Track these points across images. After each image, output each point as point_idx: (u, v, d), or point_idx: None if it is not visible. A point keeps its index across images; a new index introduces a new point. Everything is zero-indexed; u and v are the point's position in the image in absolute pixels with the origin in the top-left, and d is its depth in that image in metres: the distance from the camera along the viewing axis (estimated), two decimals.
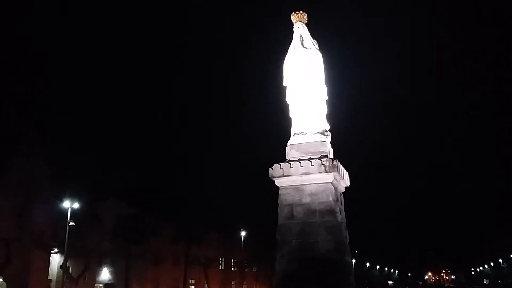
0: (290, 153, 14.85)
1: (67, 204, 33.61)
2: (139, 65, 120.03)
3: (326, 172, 13.79)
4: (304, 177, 14.03)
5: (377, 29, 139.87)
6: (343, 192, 15.40)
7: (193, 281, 59.34)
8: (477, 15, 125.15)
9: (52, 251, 41.08)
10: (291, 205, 14.16)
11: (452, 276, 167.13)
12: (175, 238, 51.84)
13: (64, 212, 33.89)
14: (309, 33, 16.22)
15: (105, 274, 49.25)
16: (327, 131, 15.20)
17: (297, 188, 14.22)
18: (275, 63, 16.86)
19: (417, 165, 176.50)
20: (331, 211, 13.65)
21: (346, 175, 15.08)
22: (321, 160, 13.90)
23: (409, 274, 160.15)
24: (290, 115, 15.57)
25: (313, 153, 14.43)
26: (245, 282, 68.20)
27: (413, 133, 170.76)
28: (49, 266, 42.09)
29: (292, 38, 16.29)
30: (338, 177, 14.24)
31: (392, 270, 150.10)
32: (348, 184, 15.52)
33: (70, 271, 39.95)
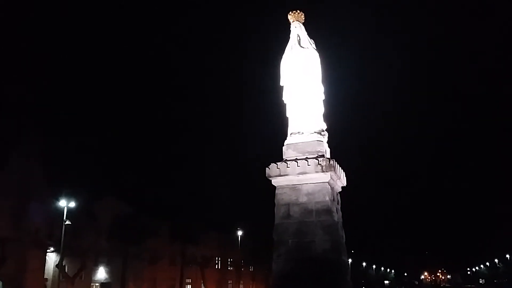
0: (287, 152, 14.86)
1: (63, 203, 33.53)
2: (138, 65, 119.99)
3: (323, 171, 13.80)
4: (300, 176, 14.05)
5: (375, 28, 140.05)
6: (339, 192, 15.42)
7: (190, 281, 59.37)
8: (477, 15, 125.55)
9: (48, 250, 40.99)
10: (287, 205, 14.16)
11: (448, 276, 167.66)
12: (171, 238, 51.87)
13: (60, 211, 33.80)
14: (306, 33, 16.23)
15: (101, 274, 49.17)
16: (324, 131, 15.22)
17: (294, 188, 14.23)
18: (272, 62, 16.87)
19: (414, 165, 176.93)
20: (327, 211, 13.67)
21: (342, 174, 15.10)
22: (318, 160, 13.92)
23: (405, 274, 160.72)
24: (287, 115, 15.57)
25: (310, 152, 14.45)
26: (241, 282, 68.30)
27: (410, 133, 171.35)
28: (45, 265, 41.98)
29: (289, 37, 16.30)
30: (334, 177, 14.26)
31: (388, 270, 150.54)
32: (345, 184, 15.54)
33: (66, 270, 39.88)
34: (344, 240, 14.42)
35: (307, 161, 14.01)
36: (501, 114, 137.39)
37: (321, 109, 15.57)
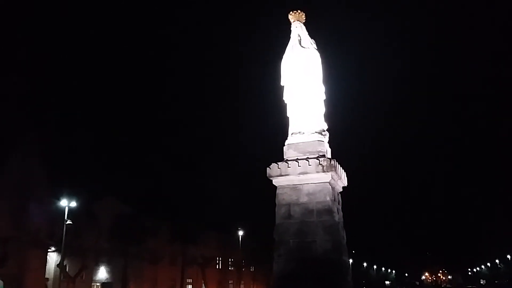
0: (288, 152, 14.85)
1: (64, 203, 33.59)
2: (138, 65, 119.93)
3: (324, 171, 13.79)
4: (301, 176, 14.03)
5: (376, 28, 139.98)
6: (340, 192, 15.41)
7: (191, 281, 59.41)
8: (477, 14, 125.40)
9: (49, 250, 41.07)
10: (288, 205, 14.15)
11: (449, 277, 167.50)
12: (172, 238, 51.86)
13: (61, 211, 33.86)
14: (307, 33, 16.21)
15: (102, 273, 49.24)
16: (324, 131, 15.21)
17: (295, 188, 14.22)
18: (273, 62, 16.86)
19: (415, 166, 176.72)
20: (328, 211, 13.66)
21: (343, 174, 15.09)
22: (319, 160, 13.90)
23: (406, 274, 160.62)
24: (288, 115, 15.56)
25: (310, 152, 14.44)
26: (242, 282, 68.28)
27: (411, 133, 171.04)
28: (46, 265, 42.06)
29: (289, 37, 16.29)
30: (335, 177, 14.25)
31: (389, 270, 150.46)
32: (346, 184, 15.52)
33: (67, 270, 39.96)
34: (345, 241, 14.40)
35: (308, 161, 14.00)
36: (501, 114, 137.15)
37: (322, 109, 15.56)
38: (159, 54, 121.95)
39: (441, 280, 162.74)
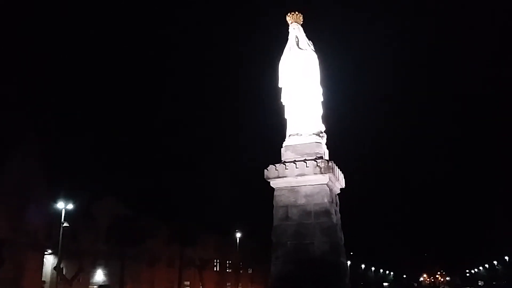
0: (285, 154, 14.82)
1: (61, 205, 33.45)
2: (138, 65, 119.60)
3: (321, 173, 13.77)
4: (299, 178, 14.01)
5: (376, 28, 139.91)
6: (338, 194, 15.38)
7: (188, 283, 59.23)
8: (477, 14, 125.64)
9: (46, 252, 40.88)
10: (286, 207, 14.13)
11: (447, 278, 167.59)
12: (170, 239, 51.77)
13: (58, 213, 33.73)
14: (304, 34, 16.22)
15: (99, 276, 49.01)
16: (322, 133, 15.19)
17: (292, 190, 14.20)
18: (271, 64, 16.85)
19: (413, 167, 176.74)
20: (326, 213, 13.64)
21: (341, 176, 15.07)
22: (316, 162, 13.89)
23: (404, 276, 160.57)
24: (286, 116, 15.55)
25: (308, 154, 14.42)
26: (240, 284, 68.14)
27: (411, 133, 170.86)
28: (42, 268, 41.83)
29: (287, 39, 16.29)
30: (333, 179, 14.23)
31: (387, 272, 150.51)
32: (344, 186, 15.51)
33: (64, 273, 39.77)
34: (343, 242, 14.38)
35: (306, 162, 13.98)
36: (501, 114, 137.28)
37: (319, 110, 15.55)
38: (159, 54, 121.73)
39: (439, 282, 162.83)
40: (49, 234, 38.84)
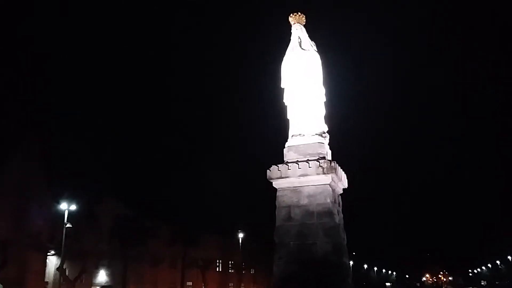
0: (288, 154, 14.83)
1: (64, 205, 33.49)
2: (138, 65, 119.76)
3: (324, 173, 13.77)
4: (302, 178, 14.01)
5: (376, 28, 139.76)
6: (341, 194, 15.38)
7: (191, 283, 59.30)
8: (477, 14, 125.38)
9: (48, 253, 40.92)
10: (289, 207, 14.13)
11: (450, 278, 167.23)
12: (172, 240, 51.81)
13: (61, 213, 33.77)
14: (307, 35, 16.22)
15: (102, 276, 49.08)
16: (325, 133, 15.19)
17: (295, 190, 14.20)
18: (273, 64, 16.85)
19: (415, 167, 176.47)
20: (329, 213, 13.64)
21: (344, 176, 15.07)
22: (319, 162, 13.89)
23: (407, 276, 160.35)
24: (288, 117, 15.55)
25: (311, 154, 14.42)
26: (242, 284, 68.15)
27: (411, 133, 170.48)
28: (45, 268, 41.92)
29: (290, 39, 16.29)
30: (336, 179, 14.22)
31: (390, 272, 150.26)
32: (346, 186, 15.50)
33: (67, 273, 39.84)
34: (346, 242, 14.37)
35: (308, 163, 13.98)
36: (501, 114, 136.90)
37: (322, 111, 15.55)
38: (159, 54, 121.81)
39: (441, 281, 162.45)
40: (52, 235, 38.88)
